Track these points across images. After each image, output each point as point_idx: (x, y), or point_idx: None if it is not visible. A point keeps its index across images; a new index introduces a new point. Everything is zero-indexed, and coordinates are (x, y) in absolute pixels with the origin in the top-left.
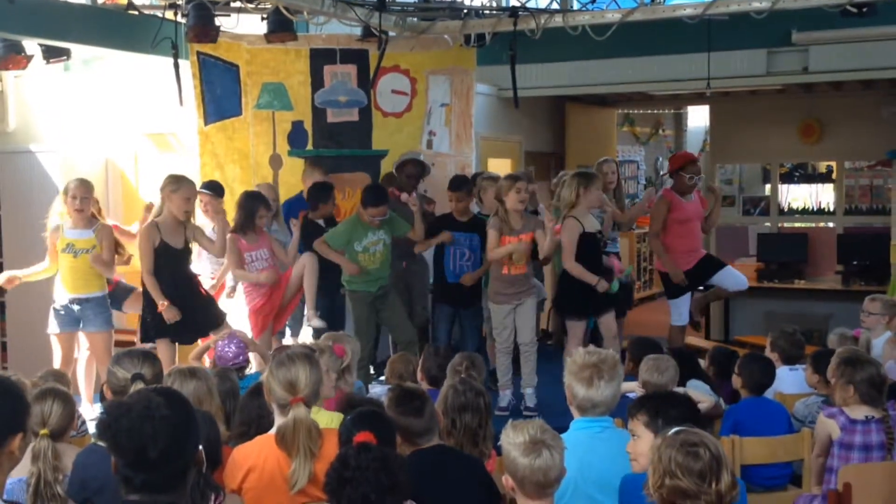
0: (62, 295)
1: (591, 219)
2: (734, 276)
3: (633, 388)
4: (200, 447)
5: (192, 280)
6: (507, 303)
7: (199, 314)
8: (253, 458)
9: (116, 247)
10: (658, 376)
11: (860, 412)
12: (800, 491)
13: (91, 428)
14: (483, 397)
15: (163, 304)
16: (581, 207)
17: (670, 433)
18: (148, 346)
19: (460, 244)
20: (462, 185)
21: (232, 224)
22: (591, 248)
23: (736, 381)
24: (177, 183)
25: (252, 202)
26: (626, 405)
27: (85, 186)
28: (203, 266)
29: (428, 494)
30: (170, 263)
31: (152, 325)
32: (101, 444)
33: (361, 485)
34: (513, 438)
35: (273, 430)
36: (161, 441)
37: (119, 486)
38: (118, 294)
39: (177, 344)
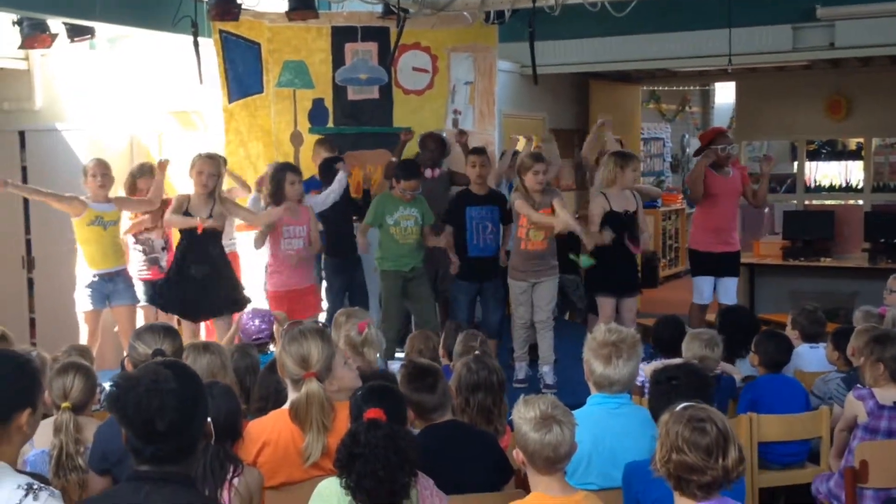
0: (90, 272)
1: (624, 199)
2: (731, 291)
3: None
4: (210, 420)
5: (214, 257)
6: (525, 280)
7: (213, 292)
8: (267, 432)
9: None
10: (709, 352)
11: (889, 395)
12: (818, 468)
13: None
14: (496, 374)
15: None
16: (616, 187)
17: (677, 409)
18: None
19: (482, 218)
20: (483, 150)
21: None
22: (614, 227)
23: (753, 359)
24: (195, 159)
25: (278, 171)
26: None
27: (104, 164)
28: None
29: (440, 469)
30: (188, 236)
31: (161, 297)
32: None
33: (371, 461)
34: (524, 413)
35: (286, 405)
36: (169, 413)
37: (130, 457)
38: None
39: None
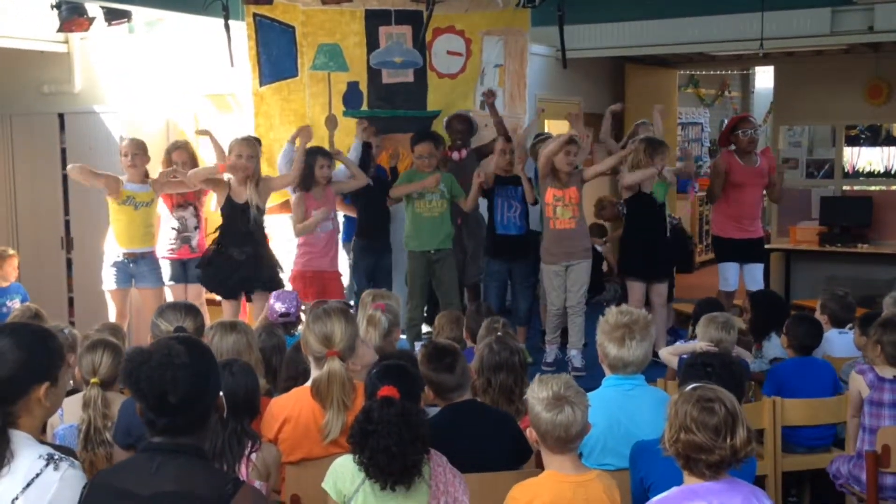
0: (116, 250)
1: (652, 183)
2: (756, 277)
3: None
4: (221, 394)
5: (250, 236)
6: (557, 263)
7: (245, 270)
8: (289, 409)
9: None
10: (725, 334)
11: (888, 371)
12: (843, 453)
13: None
14: (518, 355)
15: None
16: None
17: (687, 389)
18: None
19: (507, 196)
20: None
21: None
22: (645, 210)
23: (783, 342)
24: (233, 143)
25: (310, 156)
26: None
27: (136, 143)
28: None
29: (459, 447)
30: (229, 217)
31: (204, 277)
32: None
33: (383, 437)
34: (538, 393)
35: (308, 383)
36: (181, 387)
37: (144, 429)
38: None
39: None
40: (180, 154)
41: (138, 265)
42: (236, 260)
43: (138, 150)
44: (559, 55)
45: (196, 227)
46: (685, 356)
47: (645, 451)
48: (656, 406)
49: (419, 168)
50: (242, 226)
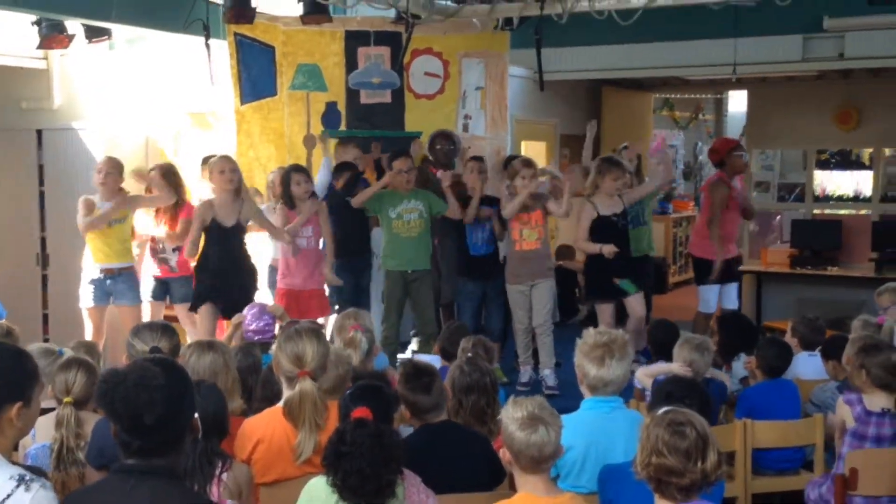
0: (93, 268)
1: (612, 203)
2: (732, 295)
3: (672, 371)
4: (196, 415)
5: (240, 258)
6: (522, 283)
7: (237, 292)
8: (261, 429)
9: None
10: (698, 356)
11: (877, 402)
12: (812, 475)
13: None
14: (489, 376)
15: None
16: (601, 192)
17: (658, 413)
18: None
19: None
20: (481, 158)
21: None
22: (607, 231)
23: (753, 363)
24: (213, 161)
25: (285, 173)
26: None
27: (112, 163)
28: None
29: (433, 467)
30: (219, 240)
31: (196, 294)
32: None
33: (356, 459)
34: (512, 413)
35: (281, 403)
36: (156, 409)
37: (118, 451)
38: None
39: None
40: (152, 177)
41: (116, 282)
42: (218, 273)
43: (112, 170)
44: (536, 77)
45: (175, 249)
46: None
47: (614, 474)
48: (633, 429)
49: (397, 185)
50: (223, 246)
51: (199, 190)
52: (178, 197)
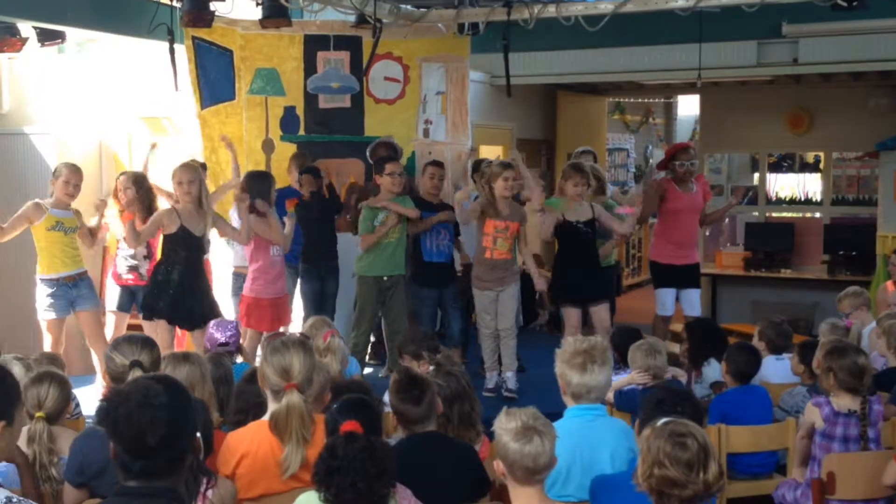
0: (53, 276)
1: (580, 210)
2: (693, 301)
3: (633, 380)
4: (198, 434)
5: (201, 269)
6: (490, 288)
7: (198, 303)
8: (246, 444)
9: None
10: (652, 360)
11: (844, 404)
12: (784, 479)
13: (84, 410)
14: (463, 379)
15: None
16: (567, 197)
17: (659, 424)
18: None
19: (436, 224)
20: (441, 163)
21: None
22: (570, 237)
23: (723, 369)
24: (175, 169)
25: (262, 182)
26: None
27: (79, 174)
28: None
29: (419, 478)
30: (186, 248)
31: (149, 305)
32: (99, 428)
33: (349, 473)
34: (505, 424)
35: (266, 416)
36: (160, 429)
37: (117, 472)
38: None
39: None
40: (123, 182)
41: (78, 287)
42: (180, 285)
43: (80, 182)
44: (493, 81)
45: (146, 257)
46: (626, 389)
47: (606, 485)
48: (617, 437)
49: (389, 187)
50: (189, 255)
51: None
52: (150, 204)
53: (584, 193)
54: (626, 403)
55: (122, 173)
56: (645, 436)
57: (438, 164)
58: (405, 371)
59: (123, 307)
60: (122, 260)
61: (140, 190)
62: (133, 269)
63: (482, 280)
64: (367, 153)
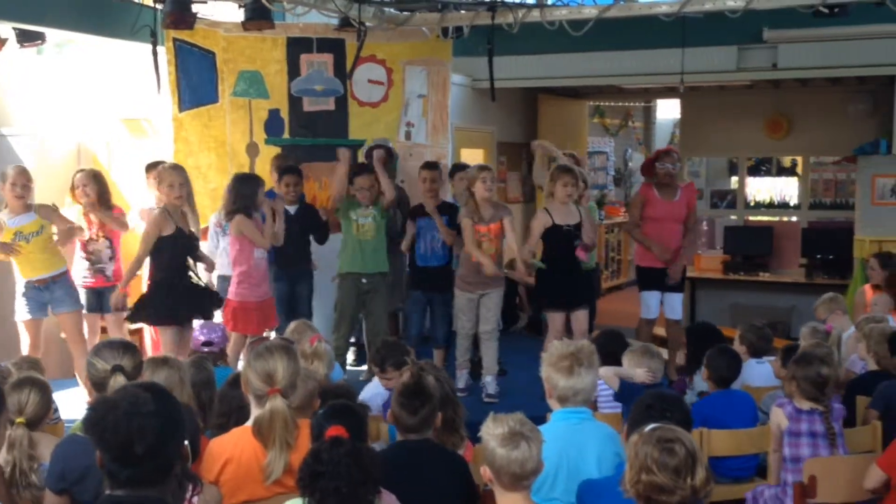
0: (24, 279)
1: (567, 213)
2: (675, 306)
3: (636, 377)
4: (186, 442)
5: (188, 268)
6: (472, 291)
7: (184, 301)
8: (230, 449)
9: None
10: (653, 362)
11: (806, 404)
12: (765, 482)
13: (64, 415)
14: (447, 384)
15: (122, 290)
16: (555, 201)
17: (647, 430)
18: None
19: (432, 228)
20: (436, 165)
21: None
22: (558, 241)
23: (704, 374)
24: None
25: (251, 184)
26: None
27: (25, 174)
28: None
29: (405, 485)
30: (186, 248)
31: (144, 308)
32: (79, 434)
33: (334, 478)
34: (492, 430)
35: (250, 422)
36: (148, 437)
37: (104, 481)
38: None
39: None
40: (81, 179)
41: (52, 290)
42: (186, 286)
43: (28, 181)
44: (474, 85)
45: (111, 258)
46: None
47: (592, 490)
48: (603, 440)
49: (360, 199)
50: (180, 255)
51: (144, 198)
52: (108, 202)
53: (574, 195)
54: (628, 397)
55: (80, 170)
56: (633, 442)
57: (430, 167)
58: (418, 379)
59: (92, 308)
60: (81, 262)
61: (100, 188)
62: (98, 271)
63: (466, 282)
64: (363, 156)
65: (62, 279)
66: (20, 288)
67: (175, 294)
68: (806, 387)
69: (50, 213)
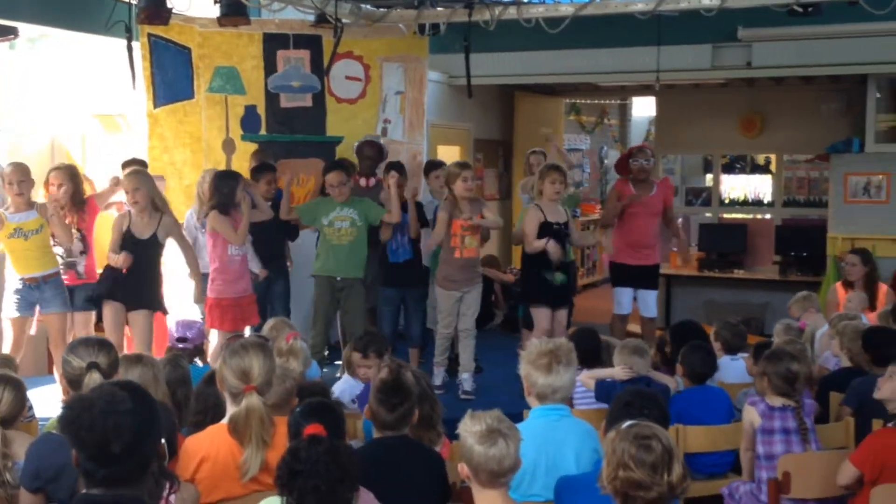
0: (17, 277)
1: (556, 211)
2: (648, 303)
3: (614, 374)
4: (163, 440)
5: (150, 272)
6: (456, 290)
7: (132, 281)
8: (206, 447)
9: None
10: (638, 357)
11: (778, 401)
12: (740, 478)
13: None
14: (424, 380)
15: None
16: (545, 198)
17: (624, 426)
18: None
19: (400, 225)
20: (400, 164)
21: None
22: (551, 238)
23: (679, 371)
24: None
25: (229, 182)
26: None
27: (20, 170)
28: None
29: (383, 483)
30: (131, 252)
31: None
32: (54, 432)
33: (312, 477)
34: (470, 427)
35: (226, 419)
36: (124, 436)
37: (79, 480)
38: None
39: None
40: (56, 177)
41: (42, 290)
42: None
43: (24, 178)
44: (451, 82)
45: (83, 252)
46: (608, 381)
47: (570, 487)
48: (582, 437)
49: (334, 196)
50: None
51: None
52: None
53: (562, 192)
54: (605, 395)
55: (55, 168)
56: (610, 438)
57: (396, 168)
58: (396, 375)
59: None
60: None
61: (74, 187)
62: (70, 265)
63: (451, 281)
64: (354, 152)
65: (53, 280)
66: (11, 284)
67: (109, 280)
68: (777, 382)
69: (45, 211)
